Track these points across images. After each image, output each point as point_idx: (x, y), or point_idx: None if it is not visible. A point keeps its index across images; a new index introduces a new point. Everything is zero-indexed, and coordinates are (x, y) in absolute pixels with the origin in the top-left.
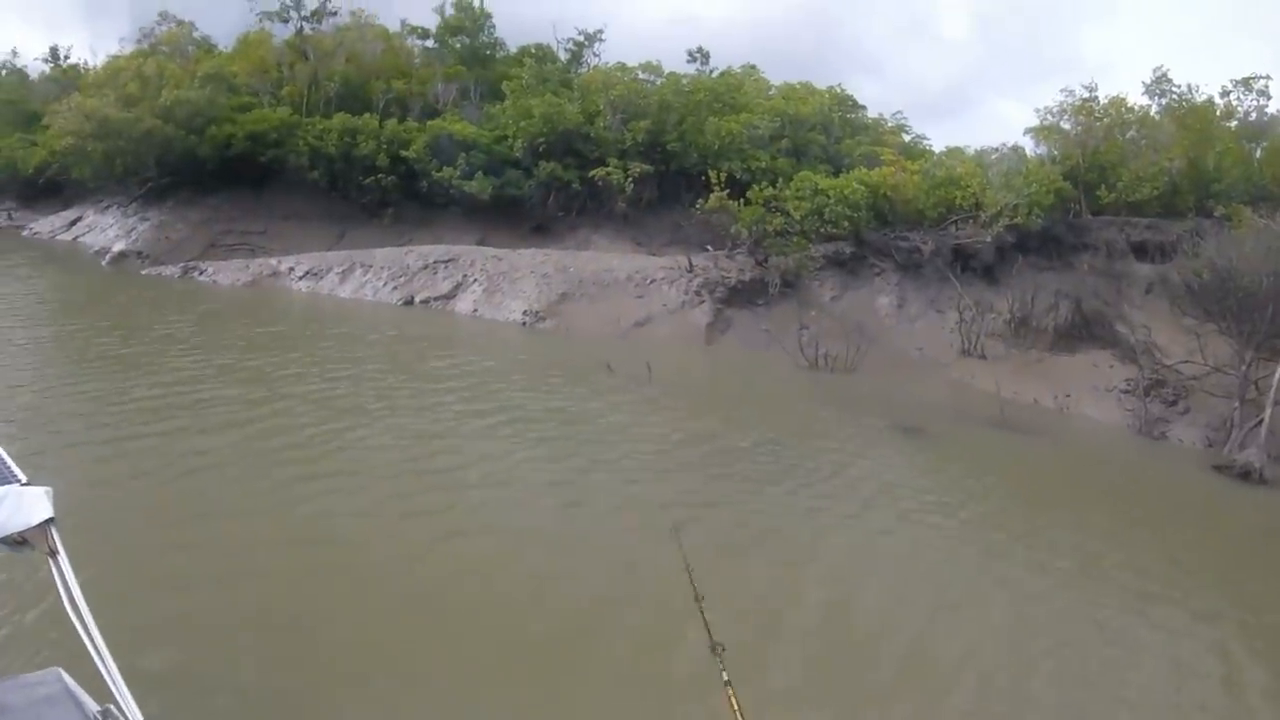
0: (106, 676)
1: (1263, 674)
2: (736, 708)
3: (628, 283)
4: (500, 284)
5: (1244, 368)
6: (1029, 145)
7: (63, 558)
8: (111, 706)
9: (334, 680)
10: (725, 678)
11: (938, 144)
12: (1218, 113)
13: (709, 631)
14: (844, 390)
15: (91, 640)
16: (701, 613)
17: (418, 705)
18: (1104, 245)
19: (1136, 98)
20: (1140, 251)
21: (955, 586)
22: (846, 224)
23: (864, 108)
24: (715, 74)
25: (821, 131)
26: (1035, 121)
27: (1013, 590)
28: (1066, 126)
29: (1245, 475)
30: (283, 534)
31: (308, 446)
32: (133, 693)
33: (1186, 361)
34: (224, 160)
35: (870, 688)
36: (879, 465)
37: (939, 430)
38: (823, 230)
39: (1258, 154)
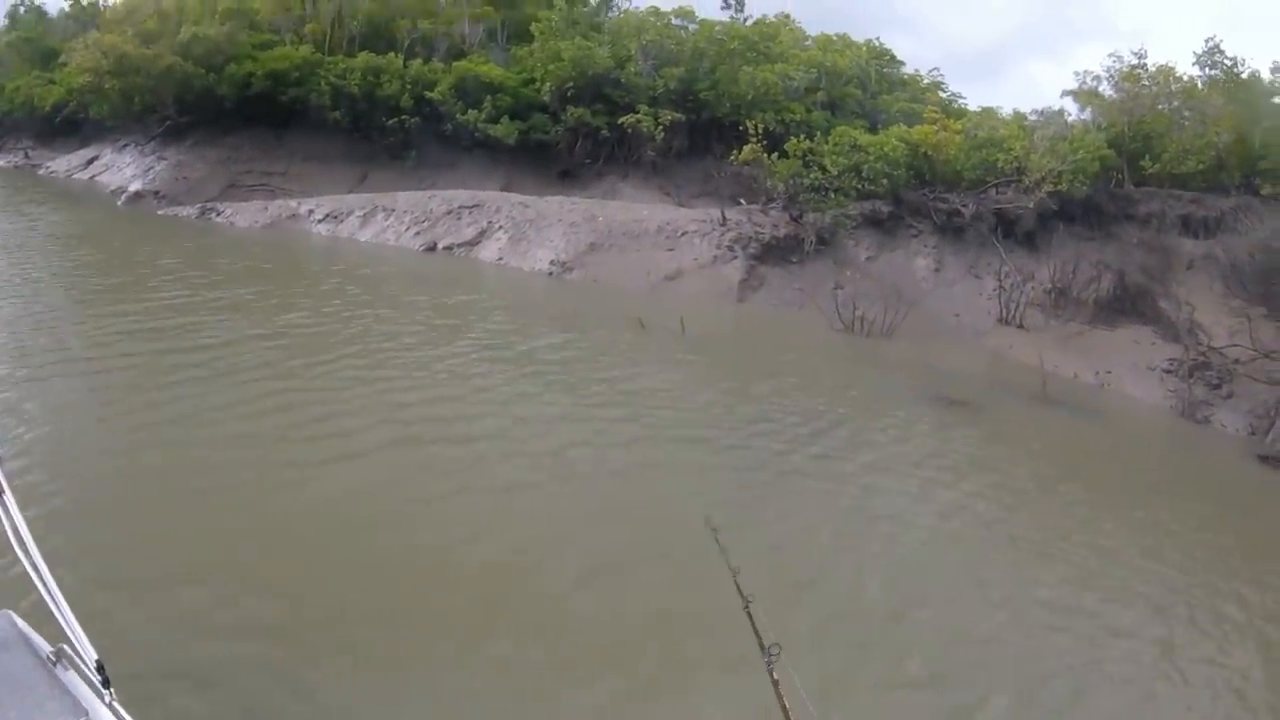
0: (59, 616)
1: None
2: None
3: (658, 234)
4: (526, 232)
5: None
6: (1069, 109)
7: (8, 497)
8: (65, 647)
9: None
10: (776, 676)
11: (971, 104)
12: (1262, 90)
13: (758, 634)
14: (881, 355)
15: (42, 581)
16: (749, 615)
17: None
18: (1148, 217)
19: (1184, 67)
20: (1183, 226)
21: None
22: (885, 182)
23: (902, 63)
24: (749, 22)
25: (858, 85)
26: (1071, 84)
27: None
28: (1106, 92)
29: None
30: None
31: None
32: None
33: (1234, 345)
34: (244, 99)
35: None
36: (920, 439)
37: (981, 403)
38: (860, 188)
39: None
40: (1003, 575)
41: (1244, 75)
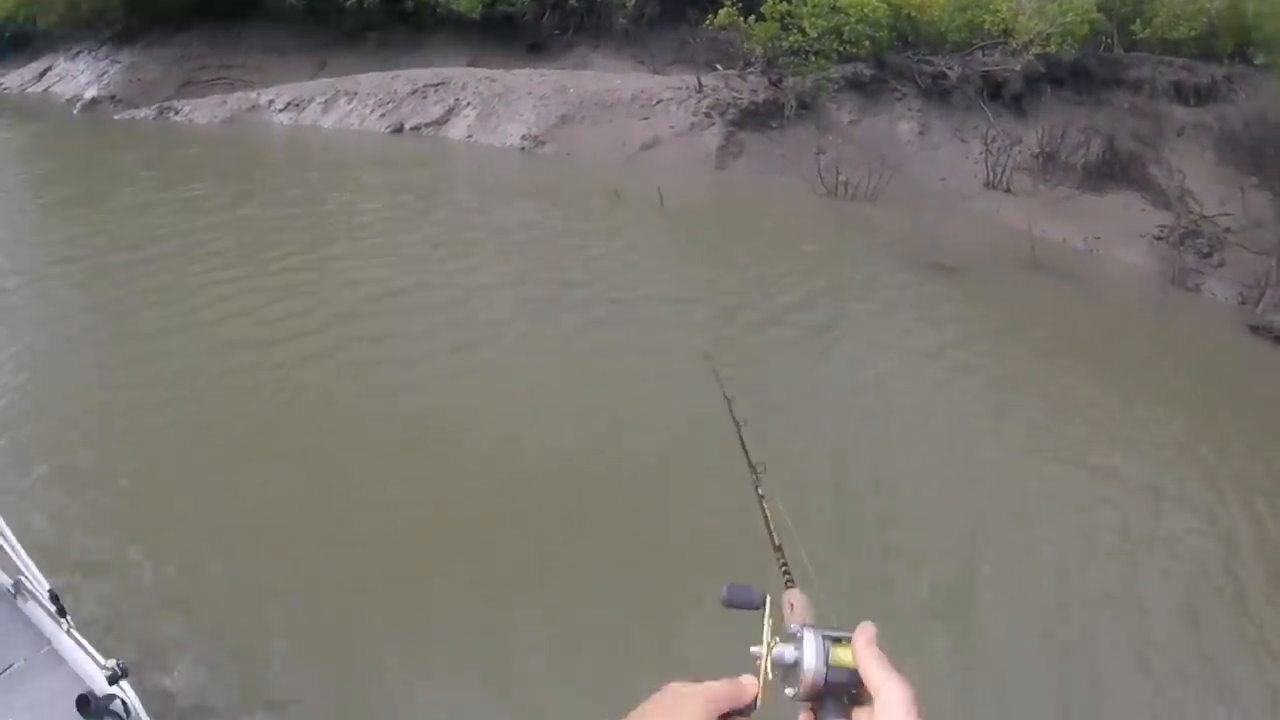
0: (8, 548)
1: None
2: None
3: (632, 104)
4: (495, 107)
5: None
6: None
7: None
8: (22, 579)
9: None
10: (761, 492)
11: None
12: None
13: (746, 453)
14: (865, 220)
15: None
16: (740, 436)
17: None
18: (1139, 83)
19: None
20: (1175, 93)
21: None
22: (867, 44)
23: None
24: None
25: None
26: None
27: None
28: None
29: None
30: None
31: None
32: None
33: (1225, 214)
34: None
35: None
36: (903, 303)
37: (967, 268)
38: (841, 50)
39: None
40: (984, 441)
41: None
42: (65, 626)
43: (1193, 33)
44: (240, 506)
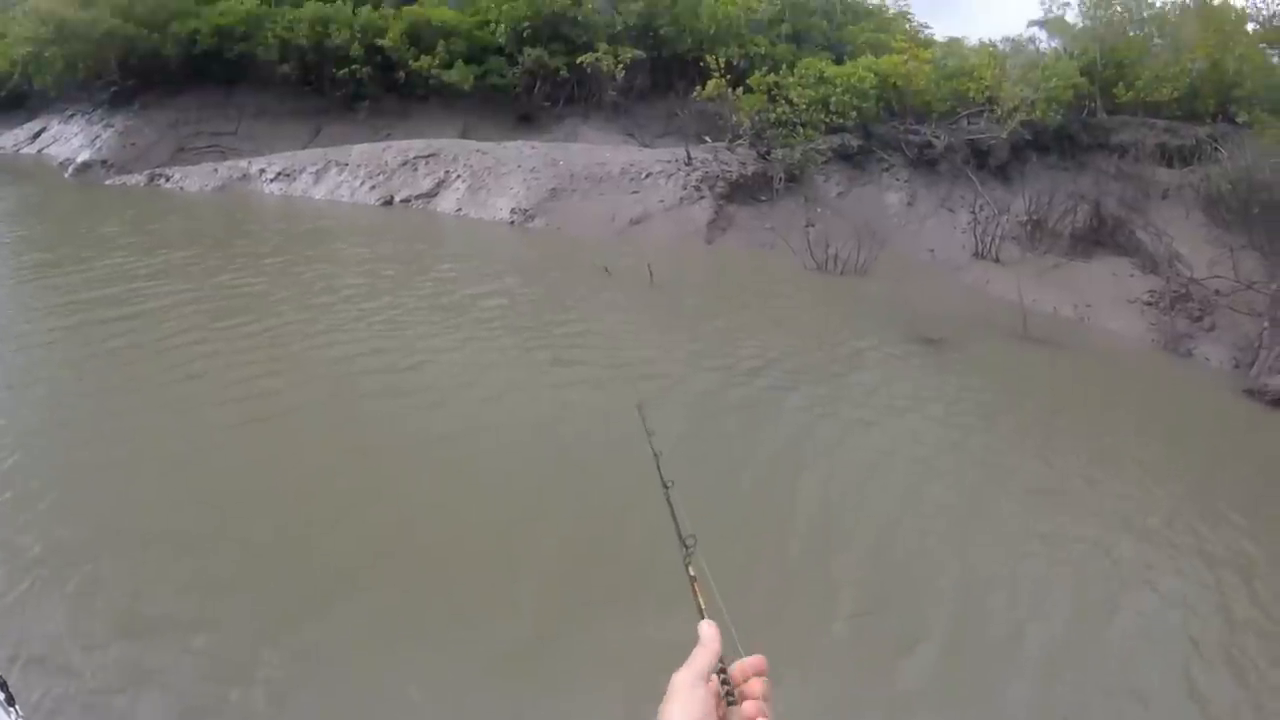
0: None
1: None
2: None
3: (622, 177)
4: (485, 180)
5: (1276, 286)
6: (1038, 37)
7: None
8: None
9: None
10: (692, 572)
11: (936, 36)
12: (1234, 16)
13: (676, 522)
14: (854, 293)
15: None
16: (669, 501)
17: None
18: (1123, 146)
19: None
20: (1159, 155)
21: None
22: (854, 115)
23: None
24: None
25: (823, 17)
26: (1036, 13)
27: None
28: (1072, 20)
29: (1278, 402)
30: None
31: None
32: None
33: (1215, 277)
34: (190, 58)
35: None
36: (884, 375)
37: (956, 340)
38: (828, 121)
39: (1277, 60)
40: (954, 512)
41: (1215, 1)
42: (14, 717)
43: (1175, 94)
44: (207, 559)
